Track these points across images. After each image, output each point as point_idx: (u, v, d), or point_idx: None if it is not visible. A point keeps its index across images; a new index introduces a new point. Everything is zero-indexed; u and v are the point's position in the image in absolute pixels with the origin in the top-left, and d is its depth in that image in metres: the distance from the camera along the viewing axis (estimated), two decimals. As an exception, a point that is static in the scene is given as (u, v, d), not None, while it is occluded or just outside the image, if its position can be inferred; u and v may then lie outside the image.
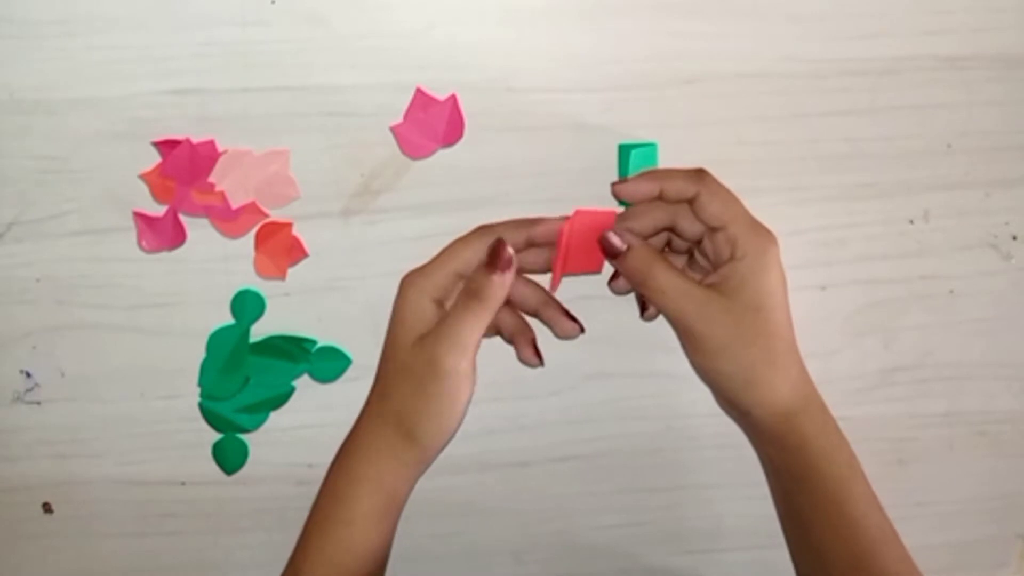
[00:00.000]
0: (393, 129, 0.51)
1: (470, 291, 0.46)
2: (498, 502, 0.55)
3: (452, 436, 0.47)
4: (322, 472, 0.54)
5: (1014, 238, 0.55)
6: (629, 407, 0.54)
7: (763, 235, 0.47)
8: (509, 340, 0.51)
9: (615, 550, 0.56)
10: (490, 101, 0.51)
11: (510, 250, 0.46)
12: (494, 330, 0.51)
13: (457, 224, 0.52)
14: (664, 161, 0.52)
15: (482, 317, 0.45)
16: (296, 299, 0.52)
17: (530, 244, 0.48)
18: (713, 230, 0.47)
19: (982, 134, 0.54)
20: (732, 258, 0.46)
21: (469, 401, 0.46)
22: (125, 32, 0.50)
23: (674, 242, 0.50)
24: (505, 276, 0.46)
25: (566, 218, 0.48)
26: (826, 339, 0.55)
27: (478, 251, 0.47)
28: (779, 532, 0.54)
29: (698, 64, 0.52)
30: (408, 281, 0.48)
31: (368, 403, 0.49)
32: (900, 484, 0.56)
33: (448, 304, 0.48)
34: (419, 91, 0.51)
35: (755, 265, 0.46)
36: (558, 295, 0.51)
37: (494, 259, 0.46)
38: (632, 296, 0.53)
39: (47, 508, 0.54)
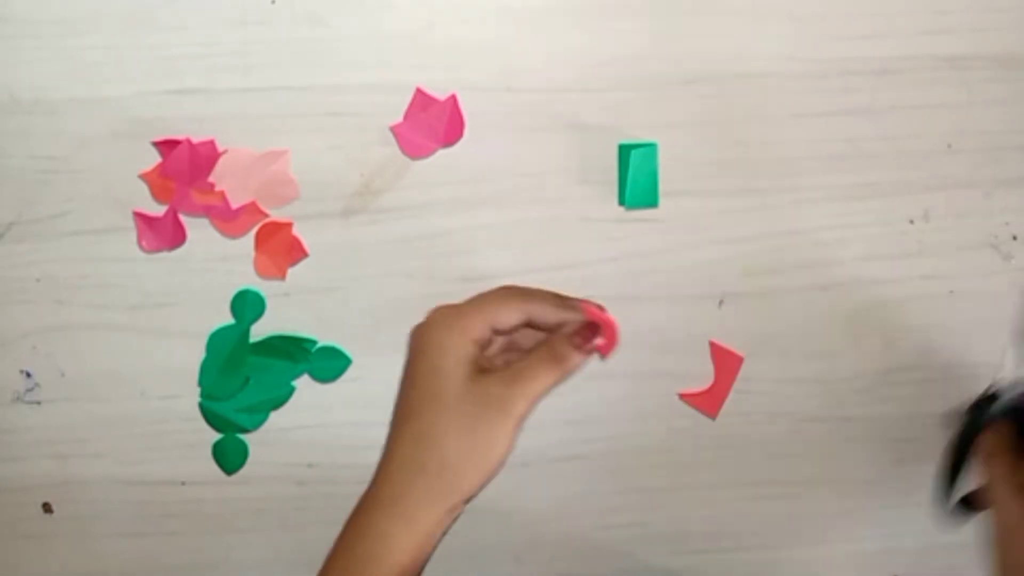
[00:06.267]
0: (393, 129, 0.51)
1: (556, 354, 0.45)
2: (498, 502, 0.55)
3: (481, 489, 0.45)
4: (322, 472, 0.54)
5: (1014, 238, 0.55)
6: (629, 407, 0.54)
7: None
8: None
9: (615, 550, 0.56)
10: (490, 101, 0.51)
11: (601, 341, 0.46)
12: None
13: (457, 224, 0.52)
14: (664, 161, 0.52)
15: (554, 380, 0.44)
16: (296, 299, 0.52)
17: (559, 326, 0.46)
18: None
19: (982, 134, 0.54)
20: None
21: (506, 460, 0.44)
22: (125, 32, 0.50)
23: None
24: (586, 357, 0.45)
25: (592, 306, 0.46)
26: (826, 339, 0.55)
27: (517, 314, 0.45)
28: (779, 532, 0.54)
29: (698, 64, 0.52)
30: (446, 316, 0.45)
31: (394, 450, 0.44)
32: (900, 484, 0.56)
33: (487, 351, 0.46)
34: (419, 91, 0.51)
35: None
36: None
37: (588, 340, 0.45)
38: (625, 300, 0.53)
39: (47, 508, 0.54)
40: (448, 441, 0.43)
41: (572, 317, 0.46)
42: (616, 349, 0.47)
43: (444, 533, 0.45)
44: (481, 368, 0.45)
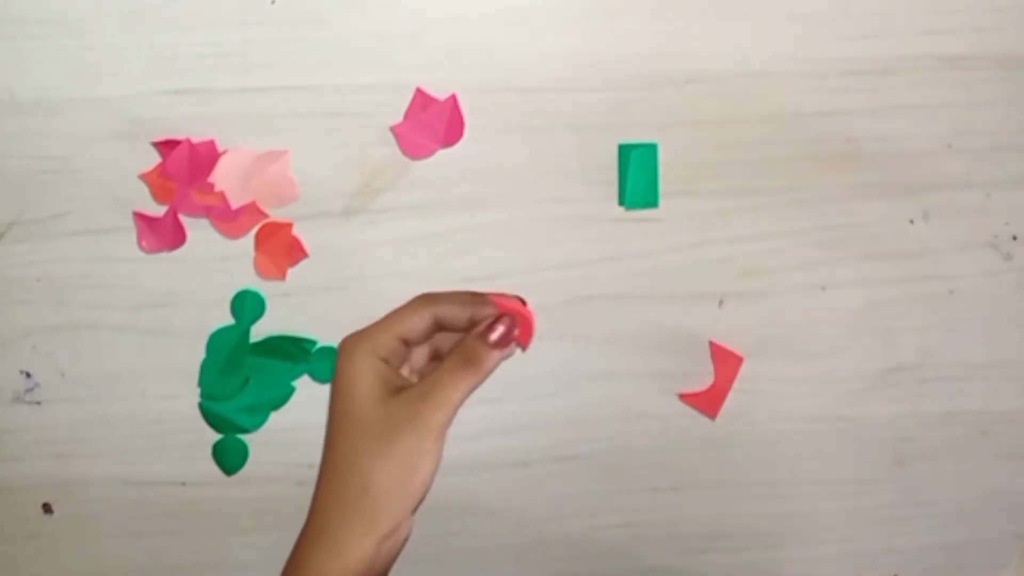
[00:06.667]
0: (393, 129, 0.51)
1: (466, 356, 0.44)
2: (498, 502, 0.55)
3: (416, 507, 0.44)
4: (322, 472, 0.54)
5: (1014, 238, 0.55)
6: (629, 407, 0.54)
7: None
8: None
9: (615, 550, 0.56)
10: (490, 101, 0.51)
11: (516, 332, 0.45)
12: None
13: (457, 224, 0.52)
14: (664, 161, 0.52)
15: (471, 383, 0.44)
16: (296, 299, 0.52)
17: (472, 323, 0.46)
18: None
19: (982, 134, 0.54)
20: None
21: (435, 473, 0.44)
22: (125, 32, 0.50)
23: None
24: (502, 353, 0.45)
25: (505, 299, 0.46)
26: (826, 339, 0.55)
27: (424, 319, 0.45)
28: (779, 532, 0.54)
29: (698, 64, 0.52)
30: (352, 342, 0.45)
31: (319, 482, 0.44)
32: (900, 484, 0.56)
33: (402, 369, 0.46)
34: (419, 91, 0.51)
35: None
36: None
37: (505, 337, 0.45)
38: (625, 300, 0.53)
39: (47, 508, 0.54)
40: (366, 466, 0.43)
41: (481, 312, 0.45)
42: (533, 338, 0.46)
43: (391, 559, 0.44)
44: (396, 387, 0.44)
